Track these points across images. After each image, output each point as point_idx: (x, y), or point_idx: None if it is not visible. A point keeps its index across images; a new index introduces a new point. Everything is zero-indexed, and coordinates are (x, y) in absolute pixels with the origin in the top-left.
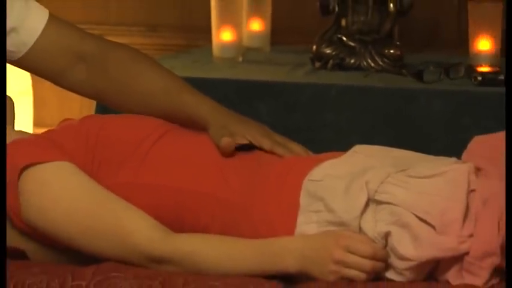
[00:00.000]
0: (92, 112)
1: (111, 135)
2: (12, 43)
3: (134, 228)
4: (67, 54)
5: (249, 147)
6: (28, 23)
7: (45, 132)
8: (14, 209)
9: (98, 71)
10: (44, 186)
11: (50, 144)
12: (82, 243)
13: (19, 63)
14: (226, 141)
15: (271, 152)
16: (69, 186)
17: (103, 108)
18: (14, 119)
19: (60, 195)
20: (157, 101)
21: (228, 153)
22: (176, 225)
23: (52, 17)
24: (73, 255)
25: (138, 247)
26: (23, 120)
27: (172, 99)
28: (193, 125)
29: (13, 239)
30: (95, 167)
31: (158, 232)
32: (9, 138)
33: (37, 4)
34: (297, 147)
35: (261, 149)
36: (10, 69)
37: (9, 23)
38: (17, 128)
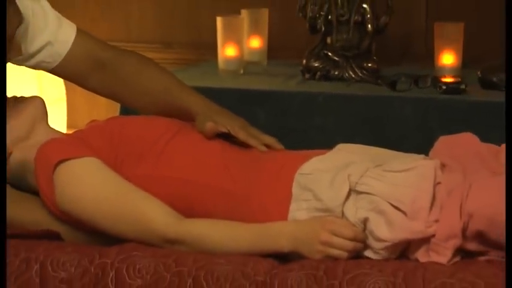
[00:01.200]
0: (117, 114)
1: (131, 134)
2: (48, 54)
3: (152, 214)
4: (90, 61)
5: (228, 136)
6: (61, 36)
7: (75, 132)
8: (49, 198)
9: (113, 74)
10: (75, 179)
11: (79, 142)
12: (107, 227)
13: (54, 71)
14: (210, 125)
15: (246, 142)
16: (96, 179)
17: (125, 111)
18: (47, 116)
19: (89, 187)
20: (159, 97)
21: (211, 136)
22: (187, 211)
23: (79, 30)
24: (100, 237)
25: (155, 231)
26: (58, 122)
27: (171, 95)
28: (185, 116)
29: (50, 223)
30: (118, 162)
31: (172, 217)
32: (43, 134)
33: (67, 20)
34: (268, 139)
35: (237, 138)
36: (47, 79)
37: (45, 37)
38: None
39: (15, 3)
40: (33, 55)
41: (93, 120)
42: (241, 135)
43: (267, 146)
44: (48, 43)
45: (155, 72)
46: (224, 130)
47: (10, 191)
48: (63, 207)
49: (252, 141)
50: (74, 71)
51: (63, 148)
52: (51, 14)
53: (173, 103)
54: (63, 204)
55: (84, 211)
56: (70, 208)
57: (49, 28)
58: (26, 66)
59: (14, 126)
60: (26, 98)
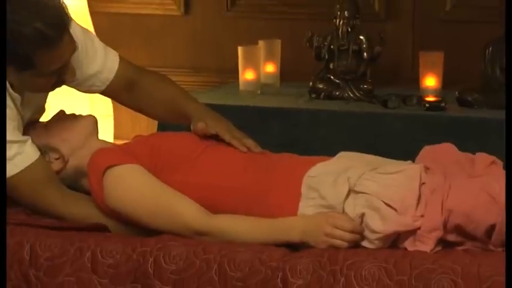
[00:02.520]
0: (155, 129)
1: (169, 147)
2: (99, 80)
3: (184, 210)
4: (125, 82)
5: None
6: (108, 64)
7: (123, 144)
8: (99, 197)
9: (139, 92)
10: (120, 182)
11: (125, 151)
12: (148, 221)
13: (102, 93)
14: (200, 125)
15: (229, 142)
16: (139, 182)
17: (162, 127)
18: (97, 131)
19: (132, 188)
20: (168, 105)
21: (201, 134)
22: (213, 208)
23: (120, 57)
24: (141, 229)
25: (186, 224)
26: (106, 134)
27: (177, 103)
28: (187, 120)
29: (99, 218)
30: (158, 169)
31: (200, 213)
32: (95, 145)
33: (110, 48)
34: (248, 142)
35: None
36: (97, 98)
37: (95, 65)
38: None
39: (70, 33)
40: (86, 80)
41: (137, 135)
42: (226, 137)
43: (247, 147)
44: (98, 71)
45: (167, 86)
46: (213, 132)
47: (68, 191)
48: (111, 205)
49: (234, 142)
50: (114, 91)
51: (111, 156)
52: (99, 44)
53: (178, 109)
54: (111, 203)
55: (128, 208)
56: (116, 206)
57: (98, 57)
58: (79, 90)
59: (70, 138)
60: (83, 116)
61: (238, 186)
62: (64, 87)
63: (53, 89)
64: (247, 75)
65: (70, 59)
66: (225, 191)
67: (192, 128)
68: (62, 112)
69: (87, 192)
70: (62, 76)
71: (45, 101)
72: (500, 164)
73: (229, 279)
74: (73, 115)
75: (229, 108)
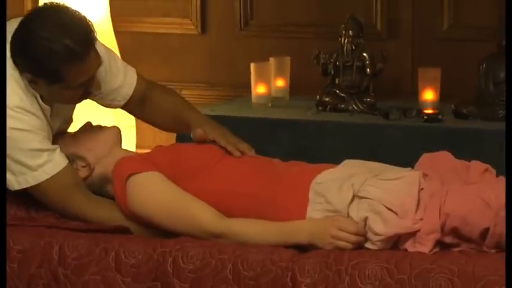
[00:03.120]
0: (174, 140)
1: (187, 156)
2: (120, 95)
3: (200, 214)
4: (140, 95)
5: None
6: (128, 80)
7: (144, 153)
8: (123, 202)
9: (149, 104)
10: (142, 188)
11: (146, 160)
12: (167, 224)
13: (122, 107)
14: (198, 132)
15: (225, 147)
16: (159, 188)
17: (181, 138)
18: (121, 141)
19: (153, 194)
20: (171, 114)
21: (199, 140)
22: (227, 212)
23: (136, 72)
24: (160, 231)
25: (202, 227)
26: (129, 144)
27: (179, 112)
28: (187, 127)
29: (121, 220)
30: (177, 177)
31: (215, 217)
32: (118, 153)
33: (129, 66)
34: (243, 147)
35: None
36: (121, 110)
37: (117, 82)
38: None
39: (95, 48)
40: (108, 94)
41: (158, 146)
42: (222, 142)
43: (242, 151)
44: (120, 86)
45: (171, 97)
46: (210, 138)
47: (93, 196)
48: (133, 209)
49: (229, 148)
50: (130, 105)
51: (133, 164)
52: (120, 62)
53: (180, 119)
54: (133, 208)
55: (149, 213)
56: (138, 210)
57: (120, 73)
58: (101, 104)
59: (96, 148)
60: (107, 127)
61: (251, 192)
62: (89, 101)
63: (80, 101)
64: (259, 89)
65: (96, 72)
66: (238, 197)
67: (191, 135)
68: (88, 123)
69: (112, 198)
70: (89, 89)
71: (73, 112)
72: (493, 172)
73: (242, 278)
74: (98, 126)
75: (242, 120)
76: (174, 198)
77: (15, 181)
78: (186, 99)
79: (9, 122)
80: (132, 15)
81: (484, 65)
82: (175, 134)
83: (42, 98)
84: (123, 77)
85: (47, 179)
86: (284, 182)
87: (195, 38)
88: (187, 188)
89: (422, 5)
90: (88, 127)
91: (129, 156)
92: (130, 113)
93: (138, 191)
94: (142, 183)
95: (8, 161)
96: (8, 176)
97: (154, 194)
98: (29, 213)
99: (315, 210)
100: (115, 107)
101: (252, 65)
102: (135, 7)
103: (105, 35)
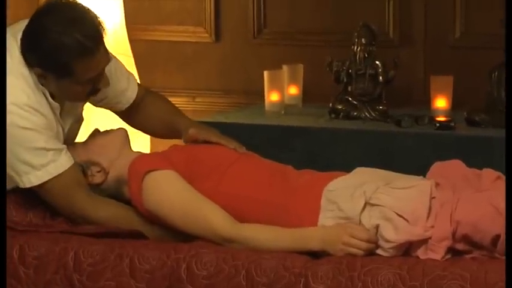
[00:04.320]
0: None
1: (202, 157)
2: (125, 99)
3: (212, 217)
4: (137, 100)
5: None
6: (131, 84)
7: (161, 151)
8: (138, 200)
9: (142, 111)
10: (158, 186)
11: (163, 157)
12: (180, 226)
13: (121, 111)
14: (191, 131)
15: (218, 142)
16: (174, 187)
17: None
18: (129, 141)
19: (168, 193)
20: (162, 120)
21: (192, 141)
22: (239, 216)
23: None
24: (171, 232)
25: (215, 231)
26: (143, 146)
27: (169, 118)
28: (178, 132)
29: (126, 218)
30: (192, 177)
31: (228, 221)
32: (129, 154)
33: (131, 72)
34: (234, 144)
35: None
36: None
37: (123, 85)
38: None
39: (105, 45)
40: (114, 97)
41: (174, 145)
42: (214, 139)
43: (234, 148)
44: (125, 89)
45: (162, 104)
46: (202, 138)
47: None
48: (148, 207)
49: (222, 141)
50: (129, 110)
51: (150, 161)
52: (123, 66)
53: (172, 125)
54: (148, 205)
55: (164, 211)
56: (153, 208)
57: (124, 77)
58: (105, 107)
59: (107, 151)
60: (113, 129)
61: (264, 198)
62: (100, 110)
63: (88, 98)
64: (272, 97)
65: (104, 69)
66: (251, 202)
67: (183, 138)
68: (96, 130)
69: (127, 201)
70: (97, 85)
71: (82, 109)
72: (504, 179)
73: (256, 284)
74: (106, 131)
75: (256, 127)
76: (187, 199)
77: (19, 180)
78: (200, 106)
79: (15, 120)
80: (147, 24)
81: (496, 73)
82: None
83: (51, 95)
84: (127, 81)
85: (50, 179)
86: (296, 188)
87: (208, 46)
88: (201, 189)
89: (434, 13)
90: (96, 134)
91: (146, 154)
92: (123, 118)
93: (154, 189)
94: (158, 181)
95: (13, 160)
96: (13, 174)
97: (169, 192)
98: (45, 219)
99: (326, 218)
100: (118, 110)
101: (265, 73)
102: (149, 15)
103: (120, 43)
